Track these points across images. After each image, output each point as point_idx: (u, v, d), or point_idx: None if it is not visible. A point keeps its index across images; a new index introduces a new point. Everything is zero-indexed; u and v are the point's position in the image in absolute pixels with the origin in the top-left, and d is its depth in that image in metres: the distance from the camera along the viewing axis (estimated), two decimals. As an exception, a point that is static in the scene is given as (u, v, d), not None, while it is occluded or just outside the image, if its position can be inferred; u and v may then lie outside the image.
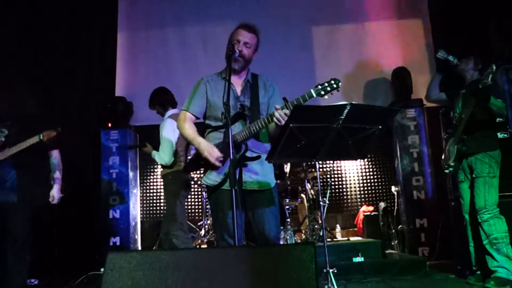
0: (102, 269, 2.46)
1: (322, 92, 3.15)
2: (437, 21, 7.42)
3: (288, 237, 6.00)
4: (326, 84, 3.16)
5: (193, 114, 3.54)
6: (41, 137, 4.55)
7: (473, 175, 4.59)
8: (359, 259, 5.54)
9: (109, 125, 7.18)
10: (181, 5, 7.90)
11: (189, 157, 5.28)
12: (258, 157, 3.33)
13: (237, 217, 2.96)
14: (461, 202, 4.82)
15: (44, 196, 4.79)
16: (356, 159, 3.29)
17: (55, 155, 4.89)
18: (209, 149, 3.30)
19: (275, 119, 3.10)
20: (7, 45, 6.93)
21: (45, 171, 4.86)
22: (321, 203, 3.22)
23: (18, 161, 4.60)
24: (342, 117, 2.90)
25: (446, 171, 4.80)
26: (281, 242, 5.44)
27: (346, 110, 2.87)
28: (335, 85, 3.16)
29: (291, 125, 2.85)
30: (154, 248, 6.91)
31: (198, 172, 6.88)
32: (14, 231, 4.52)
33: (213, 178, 3.39)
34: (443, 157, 4.87)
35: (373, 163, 7.75)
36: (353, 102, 2.90)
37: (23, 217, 4.58)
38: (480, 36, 6.68)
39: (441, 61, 4.89)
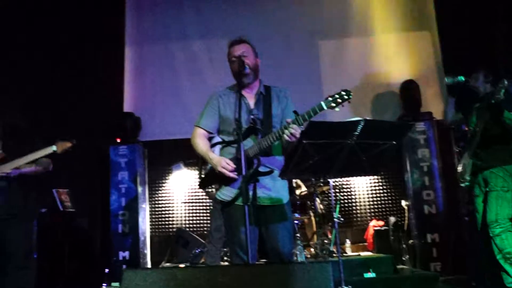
0: (113, 284, 2.46)
1: (333, 104, 3.05)
2: (445, 33, 7.36)
3: (298, 252, 5.96)
4: (337, 96, 3.06)
5: (205, 130, 3.54)
6: (55, 149, 4.39)
7: (487, 189, 4.52)
8: (370, 274, 5.48)
9: (118, 140, 7.20)
10: (187, 19, 7.91)
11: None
12: (271, 172, 3.31)
13: (251, 233, 2.94)
14: (476, 216, 4.75)
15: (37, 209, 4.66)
16: (370, 175, 3.26)
17: None
18: (222, 163, 3.28)
19: (285, 136, 3.08)
20: (13, 60, 6.97)
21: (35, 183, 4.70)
22: (335, 220, 3.16)
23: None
24: (356, 133, 2.86)
25: (462, 185, 4.74)
26: (292, 258, 5.41)
27: (360, 126, 2.83)
28: (346, 96, 3.05)
29: (304, 141, 2.82)
30: (163, 262, 6.90)
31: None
32: (10, 248, 4.38)
33: (226, 193, 3.38)
34: (459, 170, 4.82)
35: (383, 177, 7.66)
36: (367, 118, 2.87)
37: (18, 233, 4.46)
38: (488, 47, 6.67)
39: (451, 85, 4.85)
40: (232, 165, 3.26)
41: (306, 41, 7.68)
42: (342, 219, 4.34)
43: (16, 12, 7.17)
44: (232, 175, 3.26)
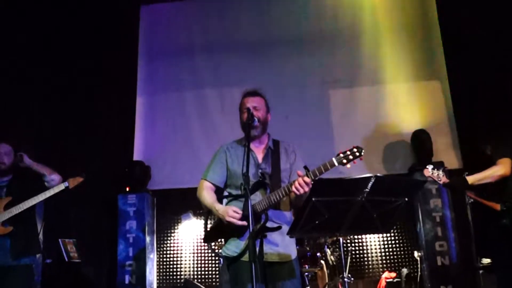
0: None
1: (344, 161, 3.06)
2: (456, 82, 7.34)
3: (308, 307, 5.81)
4: (349, 153, 3.08)
5: (212, 183, 3.50)
6: (67, 185, 4.33)
7: None
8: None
9: (127, 189, 7.19)
10: (200, 68, 7.95)
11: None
12: (279, 228, 3.25)
13: (257, 291, 2.85)
14: None
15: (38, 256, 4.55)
16: (381, 233, 3.17)
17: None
18: (229, 212, 3.23)
19: (293, 189, 3.03)
20: (24, 108, 7.03)
21: (36, 228, 4.58)
22: (345, 280, 3.06)
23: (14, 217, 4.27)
24: (367, 190, 2.79)
25: None
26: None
27: (371, 182, 2.76)
28: (358, 154, 3.08)
29: (313, 199, 2.75)
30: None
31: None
32: None
33: (232, 249, 3.32)
34: None
35: (395, 227, 7.48)
36: (378, 175, 2.80)
37: (22, 280, 4.29)
38: (500, 97, 6.64)
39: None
40: (240, 213, 3.21)
41: (317, 91, 7.67)
42: (352, 278, 4.21)
43: (26, 54, 7.29)
44: (240, 223, 3.19)
